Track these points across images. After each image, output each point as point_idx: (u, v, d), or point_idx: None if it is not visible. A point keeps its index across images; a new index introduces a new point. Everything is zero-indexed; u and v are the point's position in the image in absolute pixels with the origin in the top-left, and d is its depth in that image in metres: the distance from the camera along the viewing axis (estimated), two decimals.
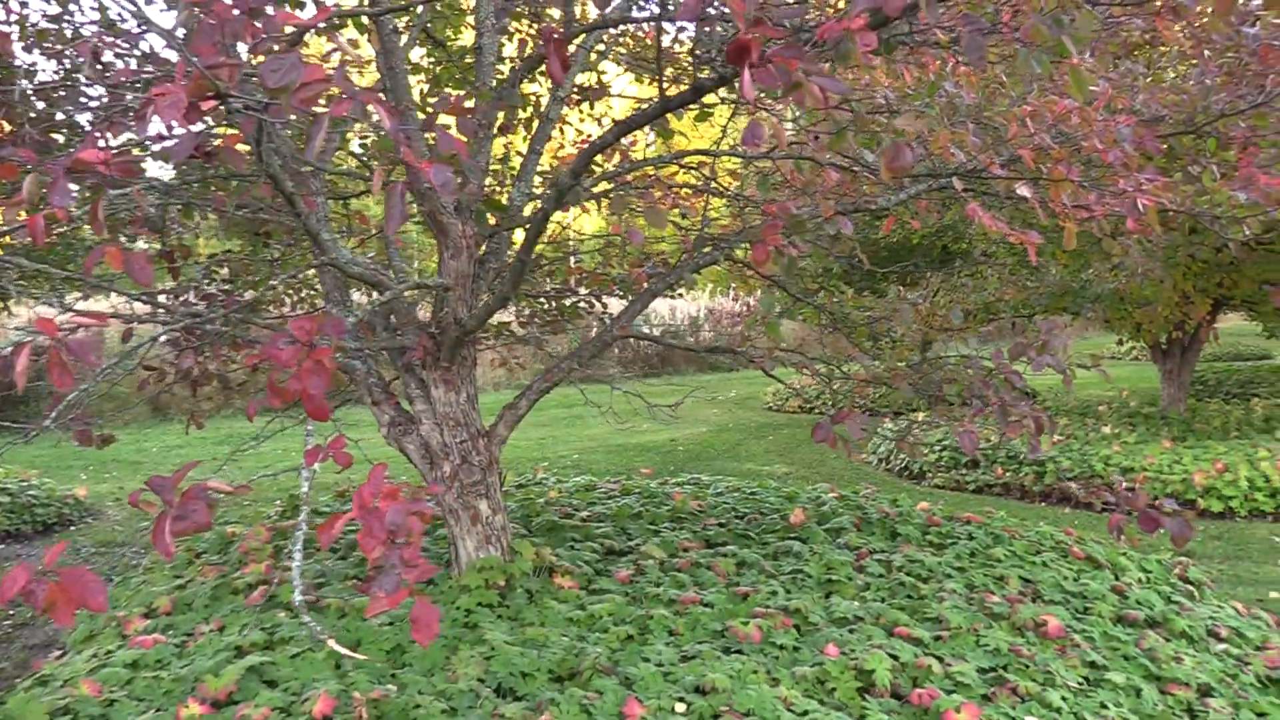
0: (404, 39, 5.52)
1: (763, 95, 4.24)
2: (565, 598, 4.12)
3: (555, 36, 1.93)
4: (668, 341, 4.26)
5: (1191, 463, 7.50)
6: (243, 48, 1.89)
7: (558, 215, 6.13)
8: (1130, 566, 4.69)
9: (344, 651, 2.09)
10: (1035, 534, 5.10)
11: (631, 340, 4.74)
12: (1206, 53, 5.28)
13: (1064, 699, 3.17)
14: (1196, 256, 7.41)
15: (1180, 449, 7.88)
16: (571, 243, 7.67)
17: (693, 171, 4.44)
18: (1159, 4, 3.39)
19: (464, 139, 1.78)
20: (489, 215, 3.38)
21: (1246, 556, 6.16)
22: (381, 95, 2.58)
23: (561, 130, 6.36)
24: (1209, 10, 2.63)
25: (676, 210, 4.55)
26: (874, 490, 6.31)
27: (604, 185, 4.41)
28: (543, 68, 5.91)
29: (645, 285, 4.47)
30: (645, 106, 3.22)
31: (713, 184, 4.32)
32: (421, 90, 5.94)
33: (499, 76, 4.62)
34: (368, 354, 4.23)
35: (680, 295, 19.36)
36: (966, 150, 3.94)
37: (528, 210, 4.20)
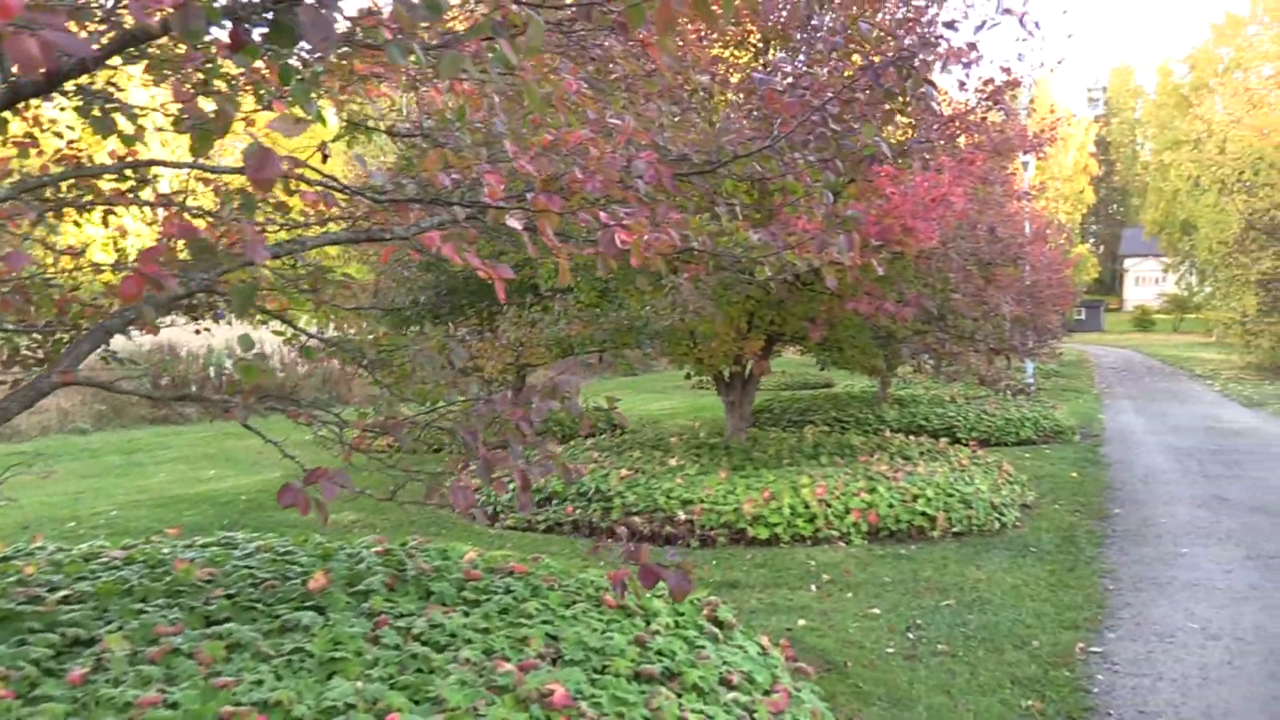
0: None
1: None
2: None
3: None
4: (124, 389, 3.55)
5: (744, 492, 7.79)
6: None
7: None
8: (663, 611, 4.59)
9: None
10: (575, 583, 4.89)
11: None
12: (731, 96, 5.44)
13: None
14: (744, 294, 7.75)
15: (736, 479, 8.18)
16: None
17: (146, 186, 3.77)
18: (614, 20, 3.25)
19: None
20: None
21: (784, 583, 6.41)
22: None
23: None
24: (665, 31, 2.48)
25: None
26: (424, 541, 5.87)
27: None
28: None
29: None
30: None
31: (187, 199, 3.68)
32: None
33: None
34: None
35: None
36: (472, 176, 3.62)
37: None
